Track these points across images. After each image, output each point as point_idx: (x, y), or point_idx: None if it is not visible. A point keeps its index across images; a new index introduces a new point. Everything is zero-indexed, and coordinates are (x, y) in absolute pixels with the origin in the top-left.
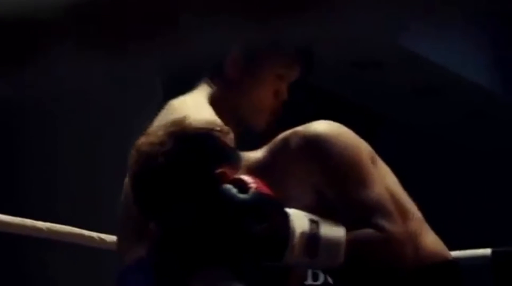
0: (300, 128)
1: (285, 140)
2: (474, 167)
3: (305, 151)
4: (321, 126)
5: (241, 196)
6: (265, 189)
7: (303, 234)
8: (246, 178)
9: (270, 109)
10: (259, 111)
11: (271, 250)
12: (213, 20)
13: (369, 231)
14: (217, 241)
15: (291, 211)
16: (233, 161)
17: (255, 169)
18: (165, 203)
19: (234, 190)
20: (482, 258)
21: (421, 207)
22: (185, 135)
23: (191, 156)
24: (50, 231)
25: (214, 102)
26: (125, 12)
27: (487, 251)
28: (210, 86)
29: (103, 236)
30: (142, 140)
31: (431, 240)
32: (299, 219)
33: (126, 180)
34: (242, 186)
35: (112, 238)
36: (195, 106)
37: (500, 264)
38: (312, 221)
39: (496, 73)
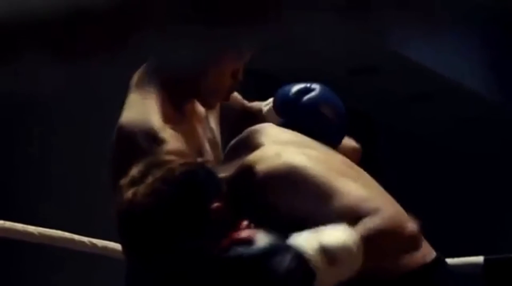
0: (263, 164)
1: (250, 172)
2: (469, 172)
3: (269, 189)
4: (282, 160)
5: (249, 252)
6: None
7: (317, 250)
8: (243, 233)
9: (227, 89)
10: (216, 91)
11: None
12: (177, 30)
13: (368, 219)
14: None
15: (294, 240)
16: (222, 188)
17: (228, 192)
18: (174, 249)
19: (240, 249)
20: (475, 266)
21: (416, 213)
22: (178, 178)
23: (191, 197)
24: (41, 235)
25: (167, 96)
26: (94, 25)
27: (480, 258)
28: (157, 83)
29: (95, 240)
30: (131, 192)
31: None
32: (305, 241)
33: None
34: (245, 242)
35: (103, 243)
36: (147, 136)
37: (492, 272)
38: (315, 237)
39: (490, 78)
